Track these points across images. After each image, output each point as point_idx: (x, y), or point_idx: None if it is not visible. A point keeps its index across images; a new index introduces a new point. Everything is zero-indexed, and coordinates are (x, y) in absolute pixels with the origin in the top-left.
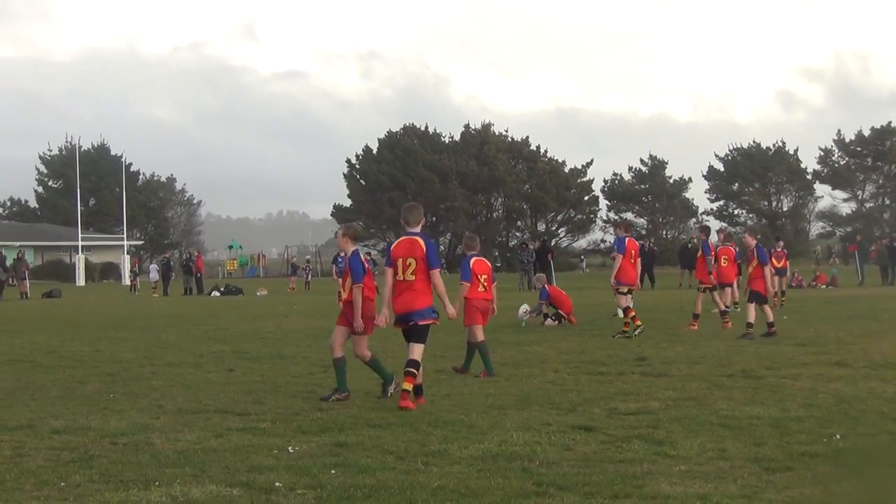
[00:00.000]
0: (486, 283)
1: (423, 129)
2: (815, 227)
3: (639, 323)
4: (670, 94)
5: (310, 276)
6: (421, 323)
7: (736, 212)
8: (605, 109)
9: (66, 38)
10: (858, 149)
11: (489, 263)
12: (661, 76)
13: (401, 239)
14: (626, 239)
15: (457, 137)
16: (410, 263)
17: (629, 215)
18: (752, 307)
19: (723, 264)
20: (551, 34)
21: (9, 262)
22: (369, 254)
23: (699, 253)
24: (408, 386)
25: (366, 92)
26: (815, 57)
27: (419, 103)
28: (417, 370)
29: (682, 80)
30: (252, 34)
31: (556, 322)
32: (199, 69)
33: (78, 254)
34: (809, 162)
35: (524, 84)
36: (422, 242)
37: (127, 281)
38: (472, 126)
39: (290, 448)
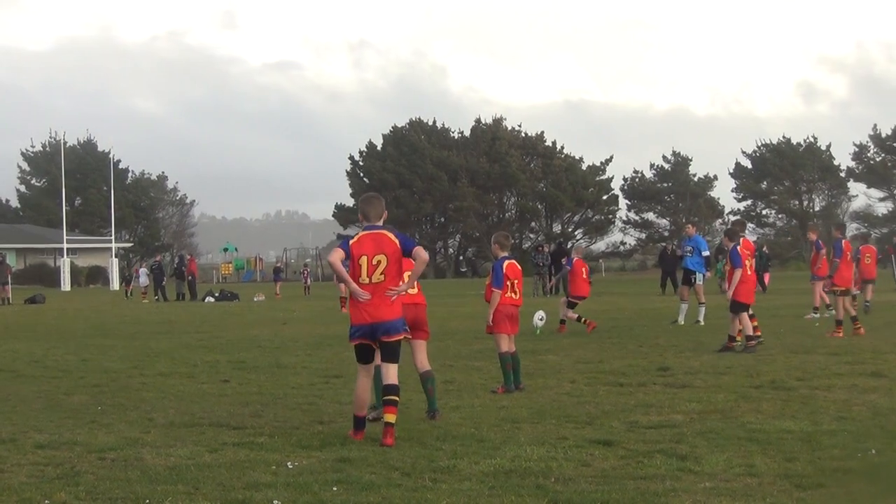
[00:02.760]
0: (517, 288)
1: (430, 123)
2: (850, 229)
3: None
4: (687, 85)
5: (309, 281)
6: (391, 339)
7: (764, 212)
8: (619, 102)
9: (38, 27)
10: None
11: (519, 266)
12: (677, 66)
13: (361, 234)
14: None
15: (466, 132)
16: (379, 262)
17: (651, 216)
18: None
19: (866, 262)
20: (557, 21)
21: None
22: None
23: (831, 254)
24: (391, 418)
25: (358, 83)
26: (837, 47)
27: (415, 94)
28: (398, 396)
29: (699, 71)
30: (234, 23)
31: (570, 311)
32: (181, 59)
33: (63, 257)
34: (842, 158)
35: (528, 74)
36: (391, 235)
37: (116, 286)
38: (483, 120)
39: (289, 464)
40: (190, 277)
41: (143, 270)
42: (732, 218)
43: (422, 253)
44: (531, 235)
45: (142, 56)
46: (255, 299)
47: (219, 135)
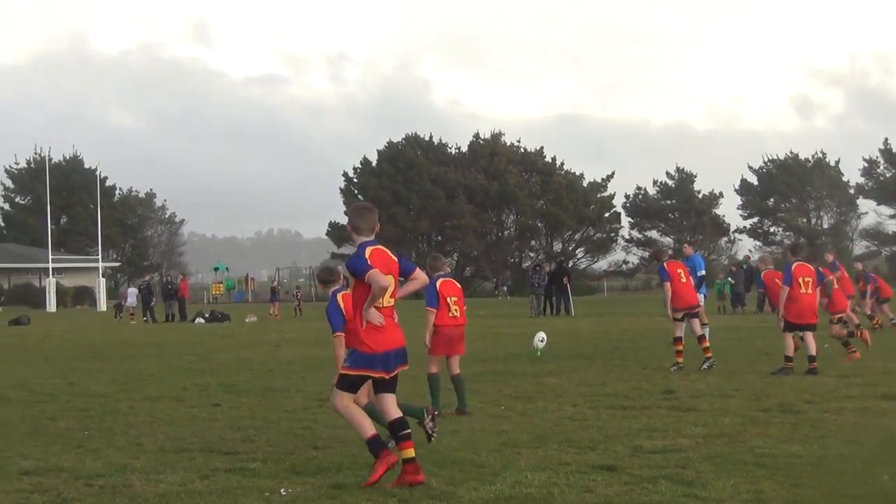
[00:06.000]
0: (458, 306)
1: (426, 138)
2: (859, 246)
3: None
4: (683, 99)
5: (301, 302)
6: (403, 368)
7: (771, 229)
8: (616, 116)
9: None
10: None
11: (458, 285)
12: (672, 80)
13: (374, 248)
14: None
15: (455, 147)
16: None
17: (654, 233)
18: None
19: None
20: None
21: None
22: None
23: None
24: (412, 452)
25: (338, 97)
26: (830, 59)
27: (400, 109)
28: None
29: (694, 85)
30: (206, 36)
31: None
32: (155, 73)
33: (48, 277)
34: (851, 174)
35: (516, 87)
36: (391, 254)
37: (103, 306)
38: (482, 135)
39: (282, 490)
40: (180, 298)
41: (131, 290)
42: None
43: (423, 275)
44: (531, 254)
45: (116, 70)
46: (247, 320)
47: (201, 151)
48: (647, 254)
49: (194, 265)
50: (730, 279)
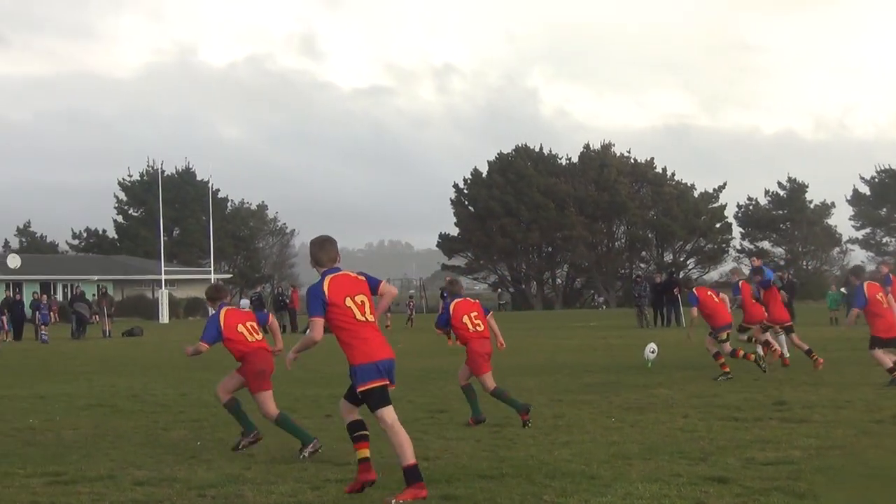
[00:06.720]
0: (480, 321)
1: (537, 150)
2: None
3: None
4: (791, 109)
5: (413, 313)
6: (392, 387)
7: (884, 239)
8: (724, 126)
9: (117, 55)
10: None
11: (473, 301)
12: (780, 89)
13: (333, 275)
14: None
15: (574, 159)
16: (363, 301)
17: (766, 244)
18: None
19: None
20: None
21: (90, 297)
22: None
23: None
24: (367, 452)
25: (445, 108)
26: None
27: (505, 120)
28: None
29: (802, 95)
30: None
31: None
32: (264, 85)
33: (161, 288)
34: None
35: (623, 98)
36: (357, 274)
37: None
38: (591, 146)
39: (393, 500)
40: (291, 309)
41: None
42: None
43: (390, 287)
44: (642, 265)
45: (224, 83)
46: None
47: (311, 163)
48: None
49: (305, 276)
50: (843, 290)
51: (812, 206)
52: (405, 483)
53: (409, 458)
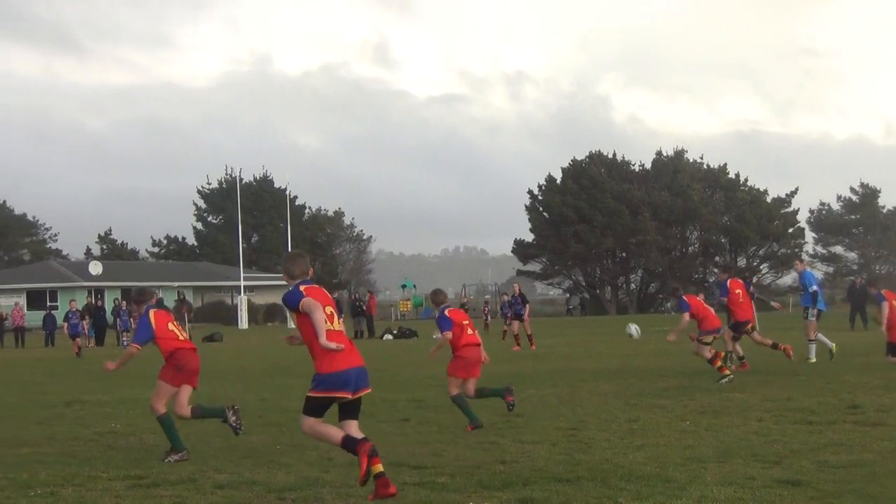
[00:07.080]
0: (471, 328)
1: (610, 156)
2: None
3: None
4: (862, 114)
5: (489, 318)
6: (366, 392)
7: None
8: (795, 132)
9: (193, 64)
10: None
11: (463, 311)
12: (850, 95)
13: (308, 285)
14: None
15: (647, 165)
16: (332, 312)
17: (839, 249)
18: None
19: None
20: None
21: (168, 304)
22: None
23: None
24: (381, 467)
25: (517, 115)
26: None
27: (577, 127)
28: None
29: (873, 100)
30: (386, 57)
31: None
32: (339, 94)
33: (240, 294)
34: None
35: (694, 104)
36: (326, 291)
37: (293, 324)
38: (664, 153)
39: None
40: (369, 315)
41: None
42: None
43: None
44: (715, 270)
45: (300, 91)
46: (435, 337)
47: (386, 170)
48: (832, 270)
49: (382, 282)
50: None
51: (885, 210)
52: None
53: (336, 436)
